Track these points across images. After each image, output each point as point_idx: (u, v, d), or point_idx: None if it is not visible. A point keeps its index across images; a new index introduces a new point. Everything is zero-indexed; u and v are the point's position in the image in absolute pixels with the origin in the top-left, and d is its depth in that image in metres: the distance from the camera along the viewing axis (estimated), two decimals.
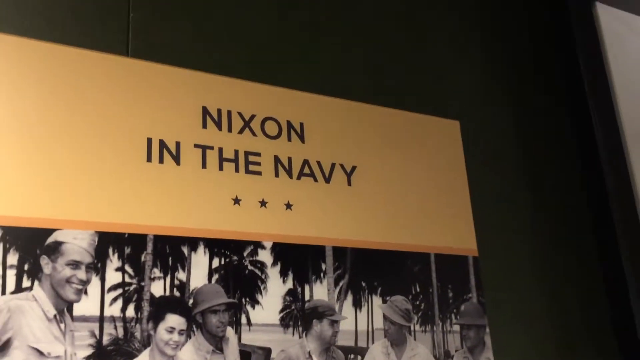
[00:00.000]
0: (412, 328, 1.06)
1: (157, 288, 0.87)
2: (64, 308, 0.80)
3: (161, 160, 0.94)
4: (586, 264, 1.35)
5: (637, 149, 1.34)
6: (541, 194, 1.35)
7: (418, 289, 1.10)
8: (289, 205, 1.02)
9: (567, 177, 1.41)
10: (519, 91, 1.42)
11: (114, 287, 0.84)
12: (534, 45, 1.50)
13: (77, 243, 0.82)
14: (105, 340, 0.81)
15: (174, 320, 0.86)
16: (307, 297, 0.99)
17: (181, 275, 0.89)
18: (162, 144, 0.94)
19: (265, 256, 0.97)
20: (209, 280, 0.91)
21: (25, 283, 0.79)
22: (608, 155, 1.34)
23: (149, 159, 0.92)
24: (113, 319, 0.83)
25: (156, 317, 0.85)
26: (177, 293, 0.88)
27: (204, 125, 1.00)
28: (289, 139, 1.07)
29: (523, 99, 1.42)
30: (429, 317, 1.09)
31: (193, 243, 0.91)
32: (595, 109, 1.36)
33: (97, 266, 0.84)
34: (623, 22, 1.43)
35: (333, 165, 1.09)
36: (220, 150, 0.99)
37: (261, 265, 0.97)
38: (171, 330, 0.85)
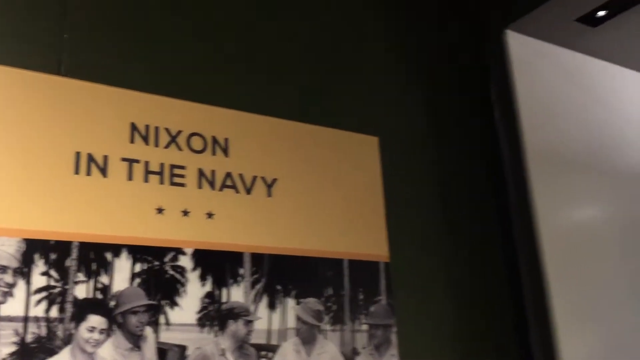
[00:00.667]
0: (322, 327, 1.17)
1: (81, 291, 0.95)
2: None
3: (89, 173, 1.01)
4: (491, 271, 1.48)
5: (538, 167, 1.47)
6: (451, 205, 1.47)
7: (331, 292, 1.20)
8: (210, 215, 1.11)
9: (476, 191, 1.54)
10: (435, 110, 1.54)
11: (39, 290, 0.92)
12: (451, 66, 1.62)
13: (4, 249, 0.90)
14: (29, 338, 0.89)
15: (95, 320, 0.94)
16: (224, 299, 1.08)
17: (104, 279, 0.98)
18: (90, 158, 1.02)
19: (185, 262, 1.06)
20: (131, 283, 1.00)
21: None
22: (512, 172, 1.47)
23: (76, 172, 1.00)
24: (37, 319, 0.90)
25: (78, 318, 0.93)
26: (99, 295, 0.97)
27: (132, 140, 1.08)
28: (214, 153, 1.16)
29: (439, 117, 1.54)
30: (339, 318, 1.19)
31: (116, 249, 1.00)
32: (503, 130, 1.50)
33: (24, 271, 0.91)
34: (533, 49, 1.56)
35: (255, 177, 1.19)
36: (147, 163, 1.08)
37: (181, 270, 1.06)
38: (92, 329, 0.94)
